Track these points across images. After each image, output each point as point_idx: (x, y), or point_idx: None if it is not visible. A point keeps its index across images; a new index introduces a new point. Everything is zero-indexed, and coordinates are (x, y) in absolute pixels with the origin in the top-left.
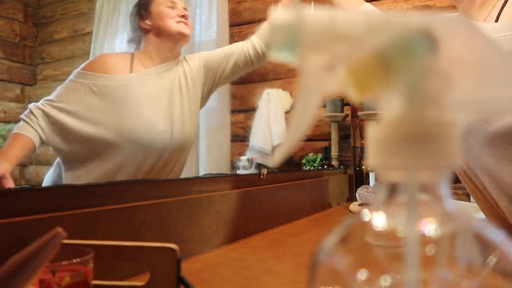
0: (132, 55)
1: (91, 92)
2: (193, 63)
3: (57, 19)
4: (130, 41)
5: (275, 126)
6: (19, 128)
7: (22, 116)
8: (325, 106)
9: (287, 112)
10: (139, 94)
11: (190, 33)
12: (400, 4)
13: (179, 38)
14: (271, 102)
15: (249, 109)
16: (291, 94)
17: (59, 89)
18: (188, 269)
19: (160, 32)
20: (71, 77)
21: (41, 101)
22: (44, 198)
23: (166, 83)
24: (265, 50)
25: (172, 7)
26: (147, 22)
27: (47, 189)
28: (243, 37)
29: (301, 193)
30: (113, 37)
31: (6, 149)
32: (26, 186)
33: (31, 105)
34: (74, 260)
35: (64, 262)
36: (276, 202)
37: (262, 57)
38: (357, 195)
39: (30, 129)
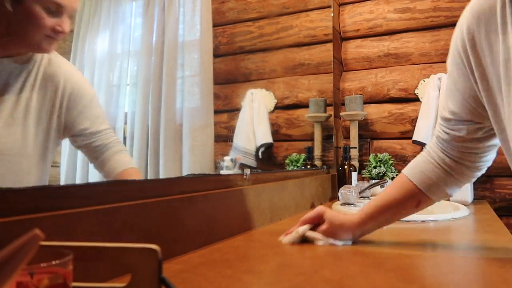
0: None
1: None
2: (57, 78)
3: None
4: None
5: (258, 126)
6: None
7: None
8: (308, 107)
9: (270, 112)
10: None
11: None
12: (382, 6)
13: (33, 49)
14: (255, 102)
15: (232, 109)
16: (274, 94)
17: None
18: (170, 269)
19: (19, 28)
20: None
21: None
22: (21, 199)
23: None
24: None
25: (52, 13)
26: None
27: (24, 190)
28: (227, 37)
29: (284, 193)
30: (94, 36)
31: None
32: (2, 187)
33: None
34: (53, 262)
35: (43, 264)
36: (259, 202)
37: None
38: (339, 194)
39: None
